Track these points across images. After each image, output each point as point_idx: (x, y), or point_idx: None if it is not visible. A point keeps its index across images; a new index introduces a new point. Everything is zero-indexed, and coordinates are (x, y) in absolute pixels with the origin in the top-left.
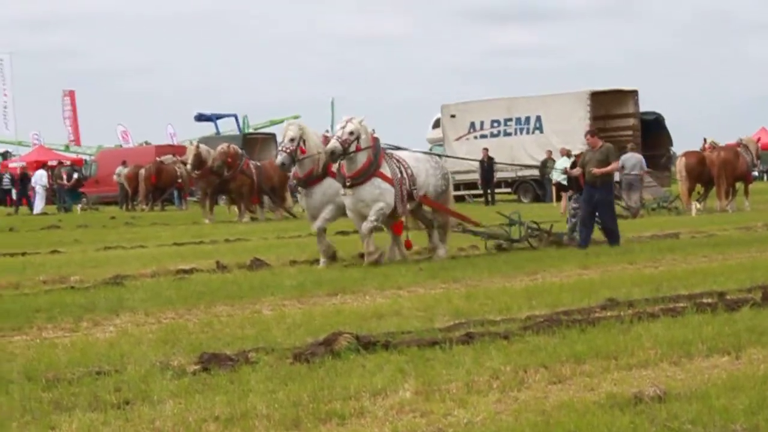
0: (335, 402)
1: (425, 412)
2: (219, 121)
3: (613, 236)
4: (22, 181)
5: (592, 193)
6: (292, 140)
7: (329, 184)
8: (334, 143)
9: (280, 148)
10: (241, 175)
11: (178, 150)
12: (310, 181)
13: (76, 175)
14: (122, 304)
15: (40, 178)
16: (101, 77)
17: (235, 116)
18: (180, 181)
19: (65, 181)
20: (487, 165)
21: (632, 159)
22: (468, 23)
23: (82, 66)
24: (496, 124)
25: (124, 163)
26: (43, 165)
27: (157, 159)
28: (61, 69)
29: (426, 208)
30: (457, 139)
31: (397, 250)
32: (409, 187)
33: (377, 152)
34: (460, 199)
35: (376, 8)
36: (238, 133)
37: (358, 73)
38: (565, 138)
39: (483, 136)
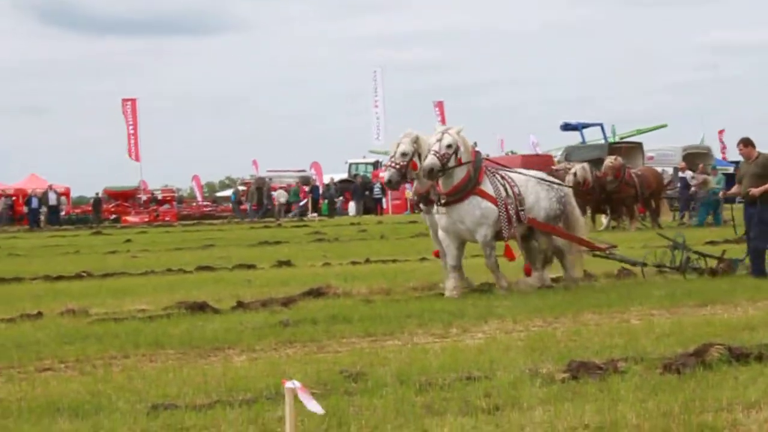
0: (707, 414)
1: None
2: (585, 131)
3: (756, 263)
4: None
5: (751, 213)
6: (404, 155)
7: None
8: (431, 159)
9: (388, 163)
10: (626, 186)
11: (544, 160)
12: (431, 198)
13: None
14: (490, 312)
15: None
16: (468, 89)
17: (601, 125)
18: None
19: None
20: None
21: None
22: None
23: (450, 78)
24: None
25: None
26: None
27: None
28: (430, 81)
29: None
30: None
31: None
32: (516, 207)
33: (477, 167)
34: None
35: (746, 17)
36: (603, 142)
37: (726, 83)
38: None
39: None
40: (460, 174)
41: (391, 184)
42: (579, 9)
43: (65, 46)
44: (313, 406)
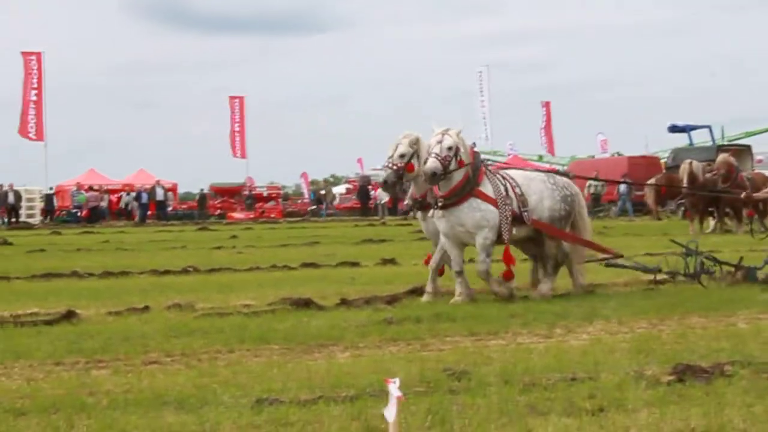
0: None
1: None
2: (692, 133)
3: None
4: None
5: None
6: (402, 156)
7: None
8: (432, 163)
9: (386, 164)
10: (736, 188)
11: (651, 161)
12: (427, 203)
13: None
14: (595, 313)
15: None
16: (577, 88)
17: (709, 127)
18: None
19: None
20: None
21: None
22: None
23: (558, 78)
24: None
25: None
26: None
27: (664, 171)
28: (537, 81)
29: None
30: None
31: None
32: (517, 208)
33: (476, 168)
34: None
35: None
36: (711, 144)
37: None
38: None
39: None
40: (458, 176)
41: (387, 186)
42: (685, 7)
43: (175, 44)
44: (388, 413)
